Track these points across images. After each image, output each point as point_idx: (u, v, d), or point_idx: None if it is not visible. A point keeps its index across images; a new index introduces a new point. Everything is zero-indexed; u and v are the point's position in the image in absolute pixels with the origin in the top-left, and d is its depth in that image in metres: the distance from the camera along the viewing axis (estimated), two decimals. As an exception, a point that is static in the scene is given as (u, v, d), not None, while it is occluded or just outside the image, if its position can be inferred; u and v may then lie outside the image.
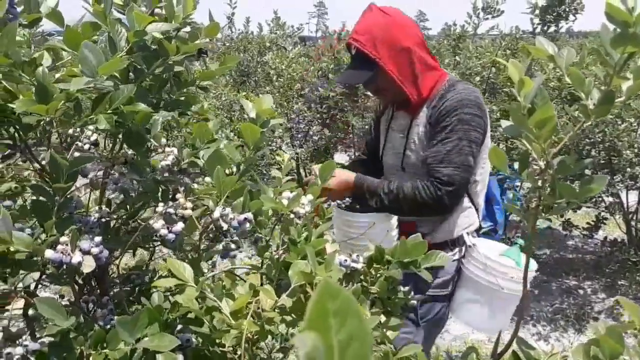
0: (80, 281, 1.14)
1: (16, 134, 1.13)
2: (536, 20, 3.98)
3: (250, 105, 0.95)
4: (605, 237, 4.09)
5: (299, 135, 4.96)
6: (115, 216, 1.15)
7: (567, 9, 3.89)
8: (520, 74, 0.81)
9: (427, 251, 1.78)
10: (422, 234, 1.74)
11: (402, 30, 1.63)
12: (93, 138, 1.03)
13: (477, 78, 3.97)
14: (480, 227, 1.88)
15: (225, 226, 0.87)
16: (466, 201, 1.77)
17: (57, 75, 0.86)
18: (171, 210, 0.97)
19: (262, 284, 1.06)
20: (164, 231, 0.92)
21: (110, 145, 1.25)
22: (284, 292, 0.92)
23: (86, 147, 1.01)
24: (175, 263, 0.87)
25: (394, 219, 1.73)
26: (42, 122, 1.01)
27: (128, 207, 1.17)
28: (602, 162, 3.32)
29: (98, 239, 0.83)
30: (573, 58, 0.93)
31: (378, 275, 0.92)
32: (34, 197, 0.85)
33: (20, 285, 0.98)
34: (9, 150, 1.13)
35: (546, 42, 0.95)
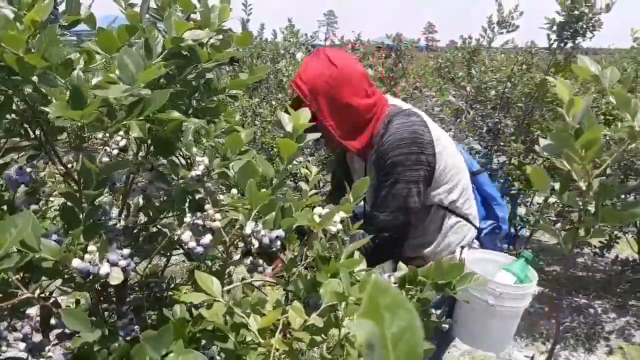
0: (98, 287, 1.12)
1: (42, 136, 1.11)
2: (553, 36, 3.94)
3: (287, 118, 0.92)
4: (616, 256, 4.04)
5: (309, 143, 4.94)
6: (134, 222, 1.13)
7: (585, 26, 3.86)
8: (569, 94, 0.78)
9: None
10: (412, 259, 1.76)
11: (345, 84, 1.58)
12: (122, 144, 1.01)
13: (492, 92, 3.94)
14: (480, 231, 1.84)
15: (256, 243, 0.84)
16: (452, 218, 1.74)
17: (93, 80, 0.84)
18: (199, 222, 0.95)
19: (287, 301, 1.04)
20: (192, 243, 0.90)
21: (134, 151, 1.23)
22: (312, 310, 0.90)
23: (114, 152, 0.99)
24: (203, 277, 0.85)
25: None
26: (73, 126, 1.00)
27: (150, 213, 1.15)
28: (618, 180, 3.27)
29: (127, 251, 0.81)
30: (617, 78, 0.91)
31: (410, 296, 0.90)
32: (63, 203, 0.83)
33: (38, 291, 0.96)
34: (34, 152, 1.12)
35: (589, 61, 0.92)
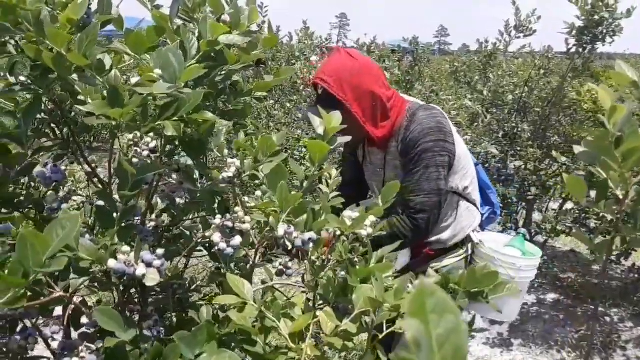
0: (121, 287, 1.12)
1: (69, 135, 1.12)
2: (572, 41, 3.90)
3: (318, 121, 0.92)
4: (633, 264, 3.99)
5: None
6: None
7: (605, 31, 3.82)
8: (612, 100, 0.77)
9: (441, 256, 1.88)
10: (434, 244, 1.93)
11: (366, 73, 1.73)
12: (152, 145, 1.01)
13: (510, 97, 3.91)
14: (481, 216, 2.04)
15: (289, 245, 0.84)
16: (464, 204, 1.91)
17: (132, 80, 0.84)
18: (229, 224, 0.95)
19: (314, 305, 1.03)
20: (223, 245, 0.90)
21: (159, 151, 1.23)
22: (341, 315, 0.89)
23: (145, 153, 0.99)
24: (234, 279, 0.84)
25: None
26: (106, 126, 1.00)
27: (174, 214, 1.15)
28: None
29: (160, 251, 0.80)
30: (656, 85, 0.89)
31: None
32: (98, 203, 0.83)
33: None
34: (61, 151, 1.13)
35: (627, 67, 0.91)
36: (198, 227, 1.22)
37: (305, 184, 0.93)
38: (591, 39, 3.82)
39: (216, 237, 0.92)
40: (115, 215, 0.81)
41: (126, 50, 0.97)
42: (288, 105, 4.94)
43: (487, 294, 0.87)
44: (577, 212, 3.69)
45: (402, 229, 1.73)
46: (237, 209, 0.96)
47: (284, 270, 0.97)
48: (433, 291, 0.29)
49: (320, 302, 1.01)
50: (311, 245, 0.86)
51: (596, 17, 3.84)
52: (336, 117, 0.92)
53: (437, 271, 1.98)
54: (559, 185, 4.11)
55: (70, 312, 0.89)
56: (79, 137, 1.17)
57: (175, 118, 0.88)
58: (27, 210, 1.03)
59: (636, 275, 3.90)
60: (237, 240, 0.92)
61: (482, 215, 2.05)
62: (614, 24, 3.81)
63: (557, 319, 3.71)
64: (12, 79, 1.04)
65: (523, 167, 4.02)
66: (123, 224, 0.81)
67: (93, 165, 1.12)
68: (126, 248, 0.78)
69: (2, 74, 1.02)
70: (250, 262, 1.03)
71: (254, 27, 1.05)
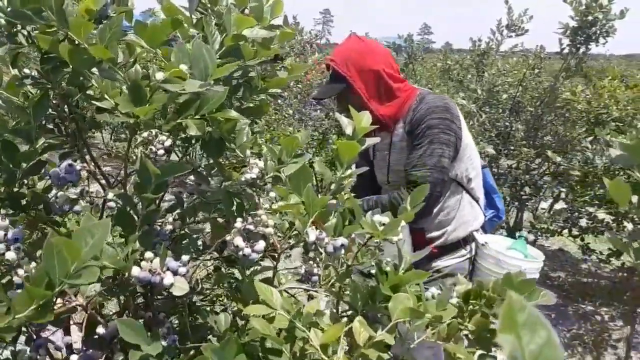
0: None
1: (75, 132, 1.06)
2: (566, 41, 3.91)
3: (346, 121, 0.88)
4: (623, 264, 4.02)
5: (315, 144, 4.89)
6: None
7: (598, 32, 3.83)
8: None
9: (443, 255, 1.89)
10: (435, 239, 1.94)
11: (372, 55, 1.84)
12: (167, 143, 0.95)
13: (505, 96, 3.91)
14: (484, 217, 2.04)
15: (322, 251, 0.80)
16: (467, 197, 1.92)
17: (157, 75, 0.78)
18: (251, 227, 0.90)
19: (338, 312, 0.99)
20: (247, 250, 0.85)
21: (182, 150, 1.17)
22: (371, 324, 0.85)
23: (160, 152, 0.94)
24: (263, 287, 0.80)
25: (406, 230, 1.76)
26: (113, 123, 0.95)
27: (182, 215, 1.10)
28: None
29: (186, 257, 0.76)
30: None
31: (473, 310, 0.85)
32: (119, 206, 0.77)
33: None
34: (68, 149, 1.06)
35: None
36: (203, 228, 1.17)
37: (332, 186, 0.88)
38: (585, 39, 3.83)
39: (239, 241, 0.87)
40: (136, 219, 0.76)
41: (141, 43, 0.92)
42: (279, 102, 4.88)
43: (522, 302, 0.84)
44: (568, 212, 3.71)
45: (401, 196, 1.75)
46: (259, 211, 0.91)
47: (309, 276, 0.93)
48: (523, 306, 0.28)
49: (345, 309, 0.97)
50: (342, 251, 0.82)
51: (590, 17, 3.85)
52: (366, 117, 0.88)
53: (438, 271, 1.97)
54: (549, 185, 4.13)
55: (86, 323, 0.83)
56: (85, 135, 1.11)
57: (197, 116, 0.84)
58: (32, 211, 0.97)
59: (625, 274, 3.93)
60: (261, 244, 0.87)
61: (485, 216, 2.04)
62: (608, 24, 3.83)
63: (549, 318, 3.73)
64: (14, 72, 0.98)
65: (514, 166, 4.03)
66: (146, 229, 0.76)
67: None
68: (149, 254, 0.73)
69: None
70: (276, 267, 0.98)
71: (277, 21, 1.00)
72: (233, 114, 0.84)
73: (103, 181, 1.06)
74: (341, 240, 0.82)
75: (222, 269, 1.22)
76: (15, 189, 0.93)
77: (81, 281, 0.57)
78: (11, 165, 0.87)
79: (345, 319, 0.88)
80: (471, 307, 0.86)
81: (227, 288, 1.10)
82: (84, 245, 0.56)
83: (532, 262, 1.80)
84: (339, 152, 0.86)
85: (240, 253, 0.86)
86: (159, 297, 1.16)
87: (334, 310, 0.89)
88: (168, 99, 0.74)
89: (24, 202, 0.94)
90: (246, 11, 0.97)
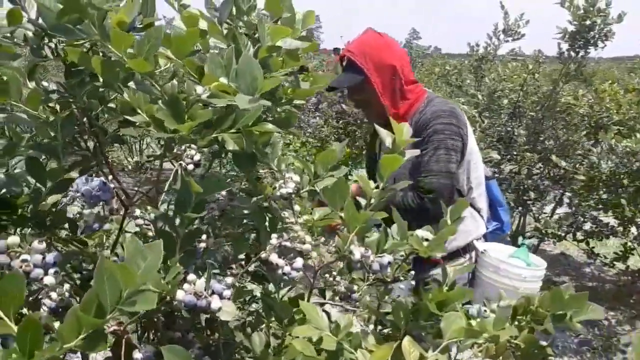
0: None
1: (95, 146, 1.02)
2: (564, 46, 3.92)
3: (385, 132, 0.85)
4: (627, 267, 4.02)
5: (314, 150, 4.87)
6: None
7: (597, 36, 3.85)
8: None
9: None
10: None
11: (389, 50, 1.83)
12: (197, 158, 0.92)
13: (505, 101, 3.91)
14: (486, 229, 2.02)
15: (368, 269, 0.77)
16: (468, 209, 1.84)
17: (197, 89, 0.75)
18: (287, 244, 0.87)
19: (376, 329, 0.96)
20: (287, 268, 0.82)
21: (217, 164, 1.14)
22: (417, 343, 0.82)
23: (190, 167, 0.90)
24: (309, 308, 0.76)
25: None
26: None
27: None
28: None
29: (230, 279, 0.72)
30: None
31: (520, 325, 0.82)
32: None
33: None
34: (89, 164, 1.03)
35: None
36: (222, 242, 1.13)
37: (373, 201, 0.85)
38: (583, 43, 3.84)
39: (276, 258, 0.84)
40: (177, 239, 0.72)
41: (167, 54, 0.89)
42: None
43: (571, 316, 0.82)
44: (573, 216, 3.70)
45: (410, 203, 1.73)
46: (295, 227, 0.88)
47: (349, 294, 0.90)
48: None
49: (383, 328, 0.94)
50: (389, 270, 0.79)
51: (588, 21, 3.86)
52: (406, 129, 0.85)
53: (436, 280, 1.94)
54: (552, 189, 4.13)
55: (116, 349, 0.79)
56: (105, 149, 1.08)
57: (232, 130, 0.81)
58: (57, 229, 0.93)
59: (630, 278, 3.93)
60: (299, 262, 0.84)
61: (487, 228, 2.02)
62: (606, 29, 3.84)
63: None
64: (31, 84, 0.94)
65: (516, 171, 4.02)
66: (187, 250, 0.72)
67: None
68: (192, 277, 0.70)
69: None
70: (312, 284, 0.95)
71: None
72: (269, 126, 0.81)
73: (123, 197, 1.03)
74: (388, 258, 0.78)
75: (244, 285, 1.19)
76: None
77: (137, 308, 0.53)
78: (37, 184, 0.84)
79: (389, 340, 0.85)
80: (517, 322, 0.83)
81: (258, 306, 1.06)
82: (136, 270, 0.53)
83: (534, 270, 1.78)
84: (382, 165, 0.83)
85: (280, 271, 0.82)
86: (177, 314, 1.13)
87: (373, 329, 0.86)
88: (213, 114, 0.70)
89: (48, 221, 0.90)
90: (279, 22, 0.94)
